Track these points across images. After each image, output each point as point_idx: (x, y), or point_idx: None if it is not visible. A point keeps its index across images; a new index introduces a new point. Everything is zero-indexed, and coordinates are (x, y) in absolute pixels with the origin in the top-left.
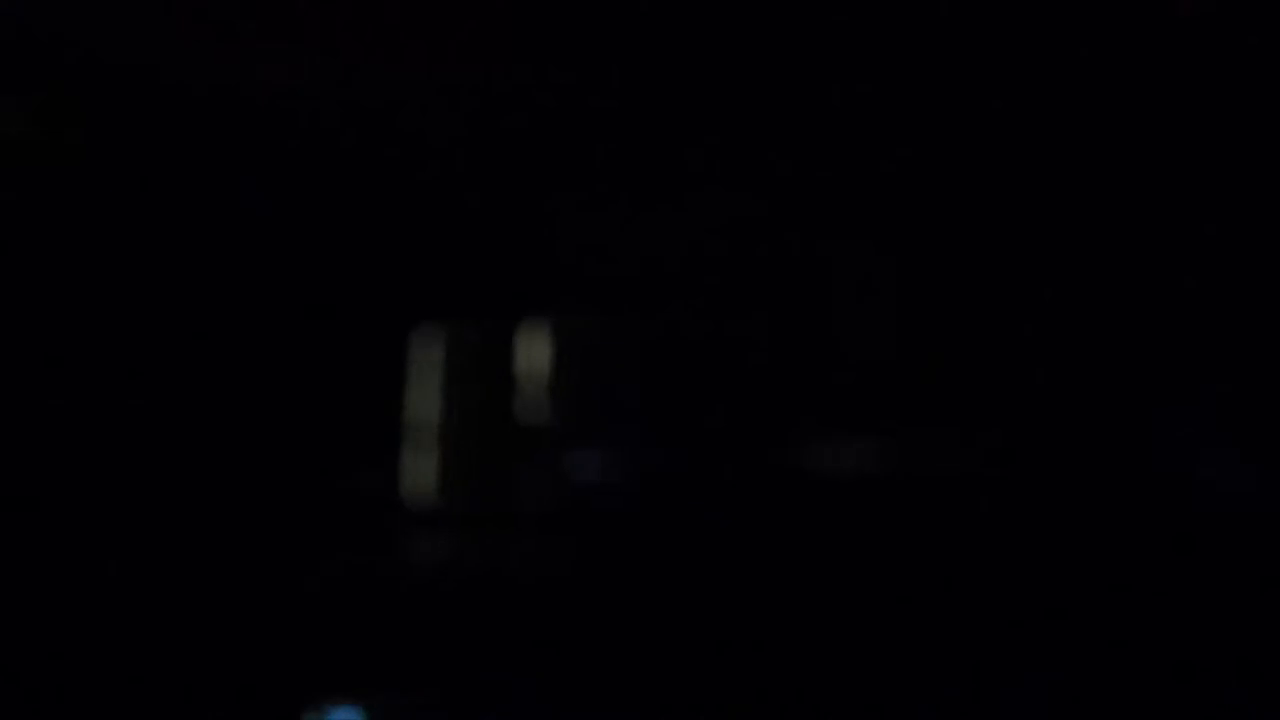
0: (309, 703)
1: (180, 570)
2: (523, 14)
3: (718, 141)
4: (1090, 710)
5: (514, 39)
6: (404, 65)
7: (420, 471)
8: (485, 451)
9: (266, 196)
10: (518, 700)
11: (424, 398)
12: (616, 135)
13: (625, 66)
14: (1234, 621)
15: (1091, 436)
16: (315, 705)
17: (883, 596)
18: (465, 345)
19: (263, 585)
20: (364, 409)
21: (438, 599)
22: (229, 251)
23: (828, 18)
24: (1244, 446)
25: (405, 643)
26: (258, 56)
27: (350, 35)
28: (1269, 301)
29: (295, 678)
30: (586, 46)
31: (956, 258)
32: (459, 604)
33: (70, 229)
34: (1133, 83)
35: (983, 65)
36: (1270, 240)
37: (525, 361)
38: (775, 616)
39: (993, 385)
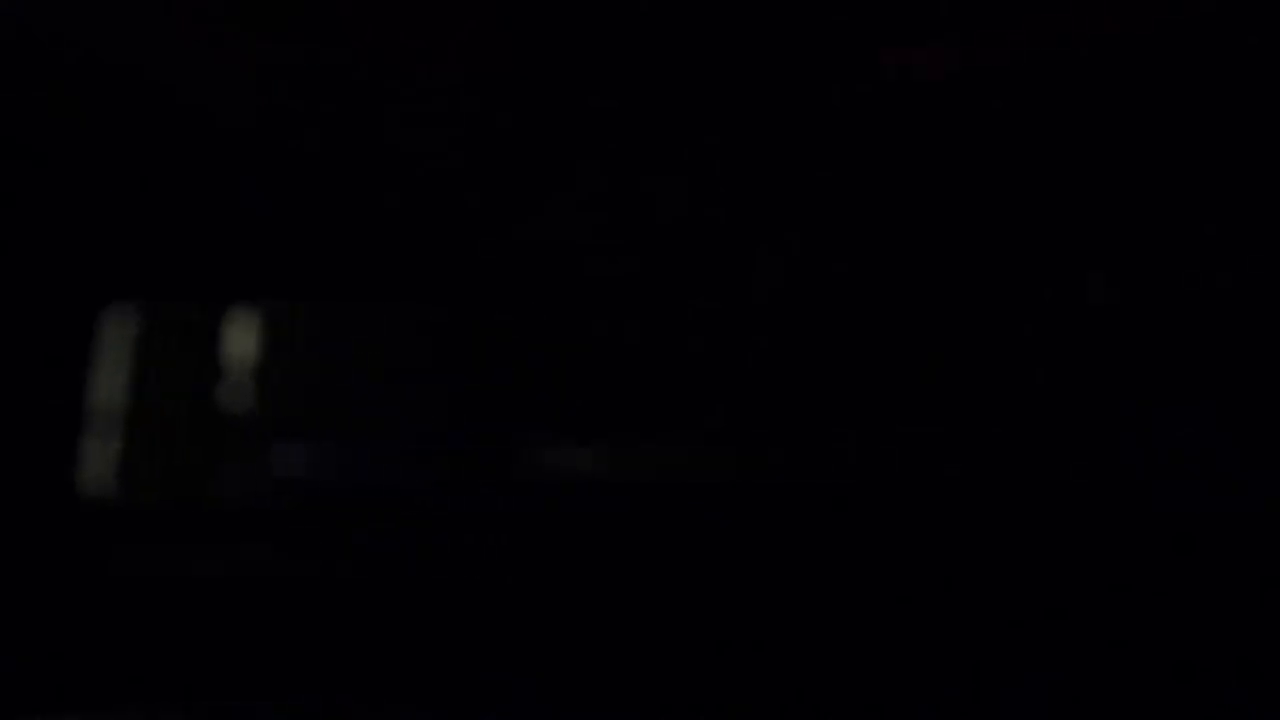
0: None
1: None
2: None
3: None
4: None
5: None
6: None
7: (104, 461)
8: (180, 441)
9: None
10: (201, 706)
11: (113, 381)
12: (339, 109)
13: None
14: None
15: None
16: None
17: (643, 601)
18: (163, 326)
19: None
20: (43, 392)
21: (121, 600)
22: None
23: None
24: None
25: (83, 651)
26: None
27: None
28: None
29: None
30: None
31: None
32: (145, 605)
33: None
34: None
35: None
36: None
37: (229, 346)
38: (500, 620)
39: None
